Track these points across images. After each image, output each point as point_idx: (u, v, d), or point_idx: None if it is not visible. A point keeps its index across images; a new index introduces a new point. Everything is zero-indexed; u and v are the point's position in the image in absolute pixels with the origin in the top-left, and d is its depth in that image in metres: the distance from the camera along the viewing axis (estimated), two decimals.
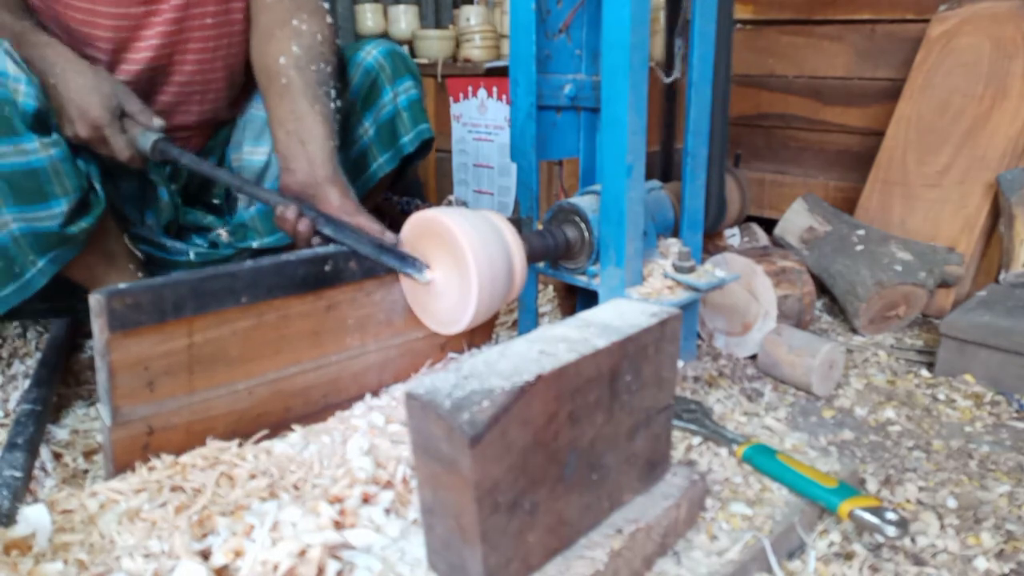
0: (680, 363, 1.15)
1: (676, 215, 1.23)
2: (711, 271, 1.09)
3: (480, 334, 1.10)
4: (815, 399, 1.12)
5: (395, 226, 0.97)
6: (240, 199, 1.26)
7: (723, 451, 0.87)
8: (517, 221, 1.09)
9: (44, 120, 0.94)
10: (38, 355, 1.18)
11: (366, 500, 0.70)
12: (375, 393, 0.97)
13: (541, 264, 1.14)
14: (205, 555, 0.62)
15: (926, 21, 1.66)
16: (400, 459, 0.75)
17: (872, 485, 0.89)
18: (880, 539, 0.77)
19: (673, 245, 1.15)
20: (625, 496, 0.69)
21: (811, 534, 0.77)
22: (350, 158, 1.28)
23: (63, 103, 0.97)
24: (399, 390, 0.97)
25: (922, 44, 1.64)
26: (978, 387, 1.15)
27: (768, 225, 1.68)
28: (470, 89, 2.00)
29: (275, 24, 1.09)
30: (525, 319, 1.23)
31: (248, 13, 1.14)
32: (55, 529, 0.66)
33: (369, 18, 2.26)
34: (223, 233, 1.25)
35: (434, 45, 2.11)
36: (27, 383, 1.06)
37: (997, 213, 1.47)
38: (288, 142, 1.02)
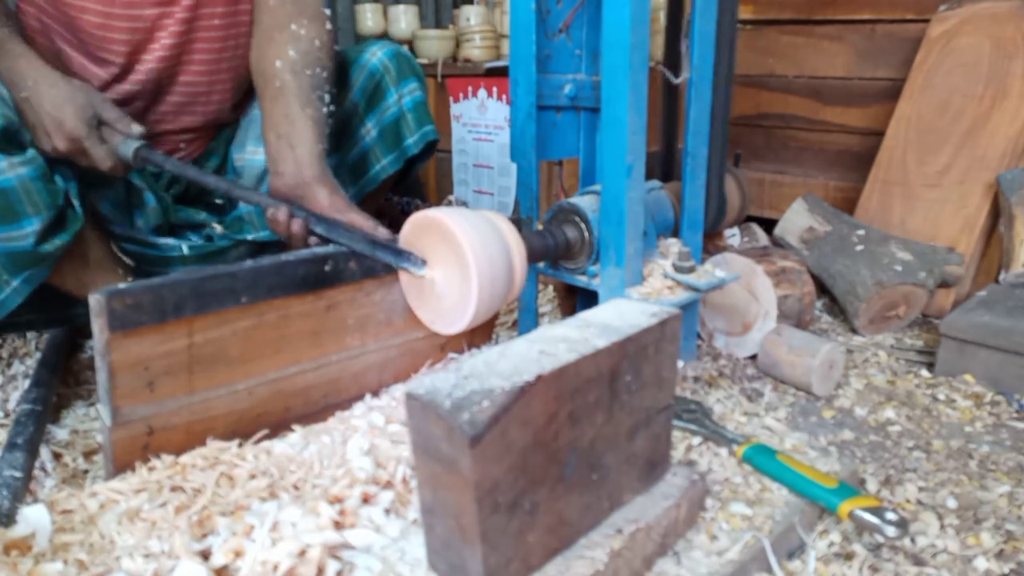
0: (680, 363, 1.15)
1: (676, 215, 1.23)
2: (711, 271, 1.09)
3: (480, 334, 1.10)
4: (815, 399, 1.12)
5: (395, 226, 0.97)
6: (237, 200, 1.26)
7: (723, 451, 0.87)
8: (517, 221, 1.09)
9: (14, 137, 0.93)
10: (38, 355, 1.18)
11: (366, 500, 0.70)
12: (375, 393, 0.97)
13: (541, 264, 1.14)
14: (205, 555, 0.62)
15: (926, 21, 1.66)
16: (400, 459, 0.75)
17: (872, 485, 0.89)
18: (880, 539, 0.77)
19: (673, 245, 1.15)
20: (625, 496, 0.69)
21: (811, 534, 0.77)
22: (351, 159, 1.28)
23: (38, 117, 0.96)
24: (399, 390, 0.97)
25: (922, 44, 1.64)
26: (978, 387, 1.15)
27: (768, 225, 1.68)
28: (470, 89, 2.00)
29: (275, 27, 1.09)
30: (525, 319, 1.23)
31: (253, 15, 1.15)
32: (55, 529, 0.66)
33: (369, 18, 2.26)
34: (217, 227, 1.25)
35: (434, 45, 2.11)
36: (27, 383, 1.06)
37: (997, 213, 1.47)
38: (278, 145, 1.02)
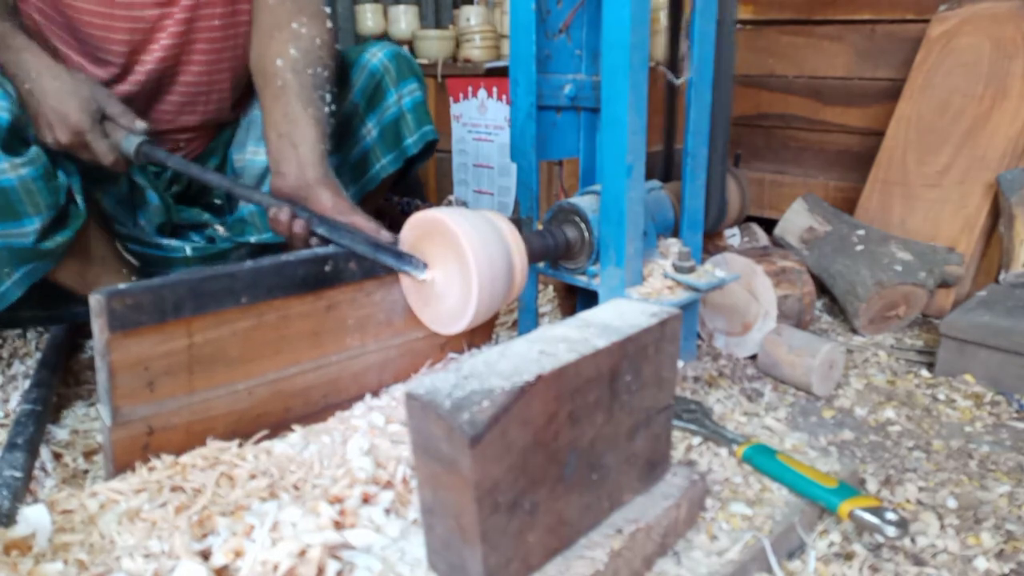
0: (680, 363, 1.15)
1: (676, 215, 1.23)
2: (711, 271, 1.09)
3: (480, 334, 1.10)
4: (815, 399, 1.12)
5: (395, 226, 0.97)
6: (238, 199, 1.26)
7: (723, 451, 0.87)
8: (517, 221, 1.09)
9: (20, 132, 0.93)
10: (38, 355, 1.18)
11: (366, 500, 0.70)
12: (375, 393, 0.97)
13: (541, 264, 1.14)
14: (205, 555, 0.62)
15: (926, 21, 1.66)
16: (400, 459, 0.75)
17: (872, 485, 0.89)
18: (880, 539, 0.77)
19: (673, 245, 1.15)
20: (625, 496, 0.69)
21: (811, 534, 0.77)
22: (352, 159, 1.29)
23: (41, 109, 0.96)
24: (399, 390, 0.97)
25: (922, 44, 1.64)
26: (978, 387, 1.15)
27: (768, 225, 1.68)
28: (470, 89, 2.00)
29: (275, 26, 1.09)
30: (525, 319, 1.23)
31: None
32: (55, 529, 0.66)
33: (369, 18, 2.25)
34: (220, 228, 1.25)
35: (434, 45, 2.10)
36: (27, 383, 1.06)
37: (997, 213, 1.47)
38: (280, 145, 1.02)
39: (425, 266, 0.93)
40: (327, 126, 1.05)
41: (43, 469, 0.88)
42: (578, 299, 1.25)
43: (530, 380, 0.56)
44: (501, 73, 1.95)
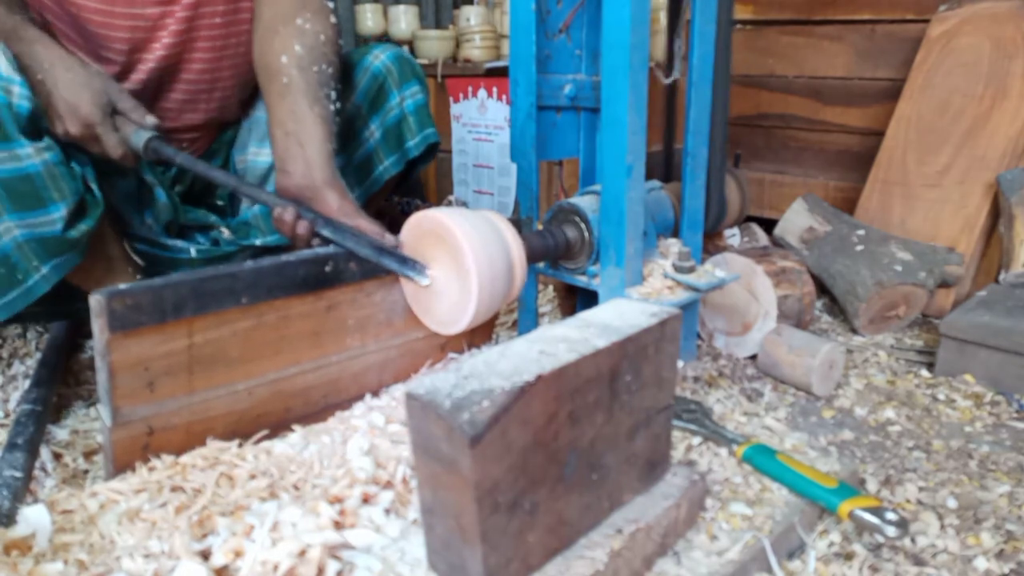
0: (680, 363, 1.15)
1: (676, 215, 1.23)
2: (711, 271, 1.09)
3: (480, 334, 1.10)
4: (815, 399, 1.12)
5: (395, 227, 0.97)
6: (243, 199, 1.26)
7: (723, 451, 0.87)
8: (517, 221, 1.09)
9: (37, 122, 0.93)
10: (38, 355, 1.18)
11: (366, 500, 0.70)
12: (375, 393, 0.97)
13: (541, 264, 1.14)
14: (205, 555, 0.62)
15: (926, 21, 1.66)
16: (400, 459, 0.75)
17: (872, 485, 0.89)
18: (880, 539, 0.77)
19: (673, 245, 1.15)
20: (625, 496, 0.69)
21: (811, 534, 0.77)
22: (355, 160, 1.29)
23: (52, 99, 0.96)
24: (399, 390, 0.97)
25: (922, 44, 1.64)
26: (978, 387, 1.15)
27: (768, 225, 1.68)
28: (470, 89, 2.00)
29: (279, 21, 1.08)
30: (525, 319, 1.23)
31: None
32: (55, 529, 0.66)
33: (369, 18, 2.26)
34: (225, 231, 1.25)
35: (434, 45, 2.10)
36: (27, 383, 1.06)
37: (997, 213, 1.47)
38: (286, 144, 1.02)
39: (428, 271, 0.94)
40: (333, 124, 1.05)
41: (43, 469, 0.88)
42: (578, 299, 1.25)
43: (530, 380, 0.56)
44: (501, 73, 1.95)
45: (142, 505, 0.69)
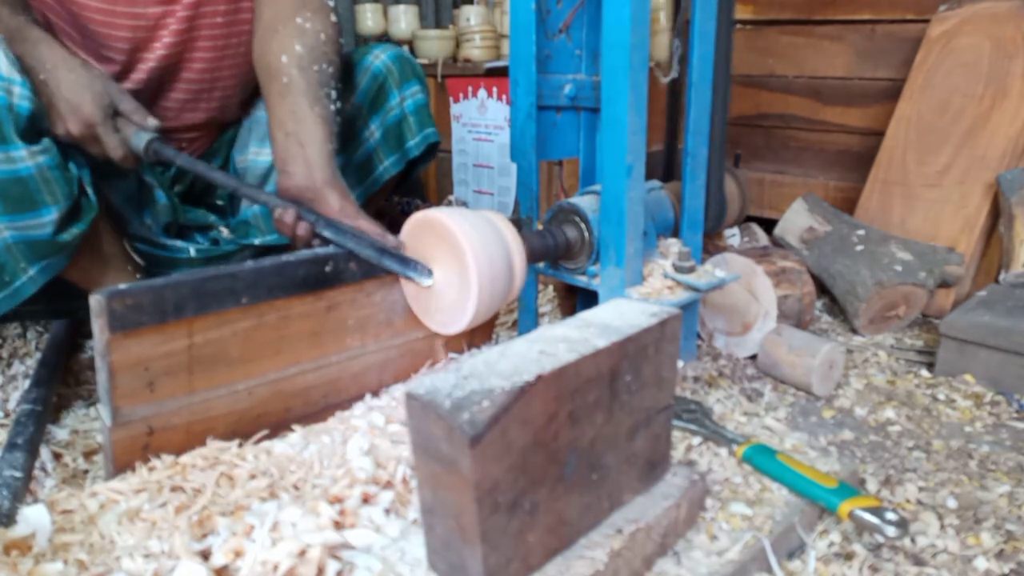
0: (680, 363, 1.15)
1: (676, 215, 1.23)
2: (711, 271, 1.09)
3: (480, 334, 1.10)
4: (815, 399, 1.12)
5: (395, 227, 0.97)
6: (244, 200, 1.26)
7: (723, 451, 0.87)
8: (517, 221, 1.09)
9: (37, 123, 0.93)
10: (38, 355, 1.18)
11: (366, 500, 0.70)
12: (375, 393, 0.97)
13: (541, 264, 1.14)
14: (205, 555, 0.62)
15: (926, 21, 1.66)
16: (400, 459, 0.75)
17: (872, 485, 0.89)
18: (880, 539, 0.77)
19: (673, 245, 1.15)
20: (625, 496, 0.69)
21: (811, 534, 0.77)
22: (356, 160, 1.29)
23: (54, 100, 0.96)
24: (399, 390, 0.97)
25: (922, 44, 1.64)
26: (978, 387, 1.15)
27: (768, 225, 1.68)
28: (470, 89, 2.00)
29: (279, 20, 1.08)
30: (525, 319, 1.23)
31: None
32: (55, 529, 0.66)
33: (369, 18, 2.26)
34: (224, 230, 1.25)
35: (434, 45, 2.10)
36: (27, 383, 1.06)
37: (997, 213, 1.47)
38: (287, 144, 1.01)
39: (430, 272, 0.93)
40: (333, 124, 1.05)
41: (43, 469, 0.89)
42: (578, 299, 1.25)
43: (530, 380, 0.56)
44: (501, 73, 1.95)
45: (142, 505, 0.69)
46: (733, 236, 1.61)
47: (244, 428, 0.85)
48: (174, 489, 0.72)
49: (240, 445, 0.81)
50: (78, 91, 0.97)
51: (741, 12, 1.97)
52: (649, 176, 1.12)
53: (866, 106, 1.82)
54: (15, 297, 0.94)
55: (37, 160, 0.91)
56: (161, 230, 1.20)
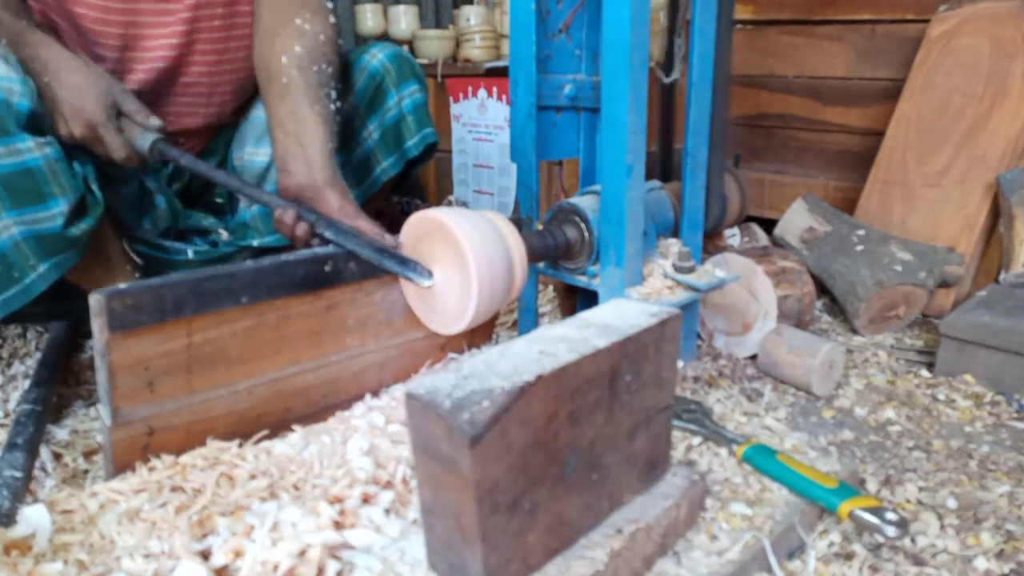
0: (680, 363, 1.15)
1: (676, 215, 1.23)
2: (711, 271, 1.09)
3: (480, 334, 1.10)
4: (815, 399, 1.12)
5: (395, 227, 0.97)
6: (242, 199, 1.26)
7: (723, 451, 0.87)
8: (517, 221, 1.09)
9: (38, 122, 0.94)
10: (38, 355, 1.18)
11: (366, 500, 0.70)
12: (375, 393, 0.97)
13: (541, 264, 1.14)
14: (205, 555, 0.62)
15: (926, 21, 1.66)
16: (400, 459, 0.75)
17: (872, 485, 0.89)
18: (880, 539, 0.77)
19: (673, 245, 1.15)
20: (625, 496, 0.69)
21: (811, 534, 0.77)
22: (354, 161, 1.28)
23: (57, 102, 0.96)
24: (399, 390, 0.97)
25: (922, 44, 1.64)
26: (978, 387, 1.15)
27: (768, 225, 1.68)
28: (470, 89, 2.00)
29: (278, 22, 1.08)
30: (525, 319, 1.23)
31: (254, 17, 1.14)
32: (55, 529, 0.66)
33: (369, 18, 2.26)
34: (223, 232, 1.25)
35: (434, 45, 2.11)
36: (27, 383, 1.06)
37: (997, 213, 1.47)
38: (287, 144, 1.02)
39: (430, 273, 0.93)
40: (333, 124, 1.05)
41: (43, 469, 0.88)
42: (578, 299, 1.25)
43: (530, 380, 0.56)
44: (501, 73, 1.95)
45: (142, 505, 0.69)
46: (733, 236, 1.61)
47: (244, 428, 0.85)
48: (174, 489, 0.72)
49: (240, 445, 0.81)
50: (80, 92, 0.97)
51: (741, 12, 1.97)
52: (647, 177, 1.12)
53: (866, 106, 1.82)
54: (26, 294, 0.94)
55: (44, 151, 0.91)
56: (159, 235, 1.20)
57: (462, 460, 0.52)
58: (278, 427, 0.88)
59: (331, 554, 0.62)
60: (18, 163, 0.89)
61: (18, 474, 0.80)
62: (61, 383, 1.10)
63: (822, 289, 1.51)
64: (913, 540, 0.79)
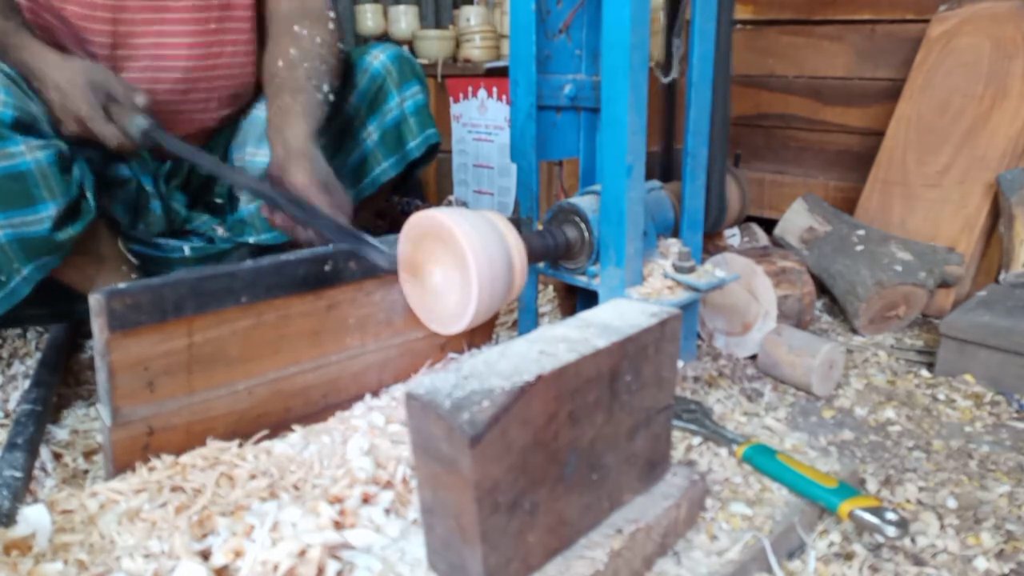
0: (680, 363, 1.15)
1: (676, 215, 1.23)
2: (711, 271, 1.09)
3: (480, 334, 1.10)
4: (815, 399, 1.12)
5: (395, 226, 0.97)
6: (242, 197, 1.26)
7: (723, 451, 0.87)
8: (517, 221, 1.09)
9: (31, 127, 0.94)
10: (38, 355, 1.18)
11: (366, 500, 0.70)
12: (375, 393, 0.97)
13: (541, 264, 1.14)
14: (205, 555, 0.62)
15: (926, 21, 1.66)
16: (400, 459, 0.75)
17: (872, 485, 0.89)
18: (880, 539, 0.77)
19: (673, 245, 1.15)
20: (625, 496, 0.69)
21: (811, 534, 0.77)
22: (352, 162, 1.29)
23: (50, 103, 0.98)
24: (399, 390, 0.97)
25: (922, 44, 1.64)
26: (978, 387, 1.15)
27: (768, 225, 1.68)
28: (470, 89, 2.00)
29: (280, 32, 1.13)
30: (525, 319, 1.23)
31: (253, 35, 1.18)
32: (55, 529, 0.66)
33: (369, 18, 2.26)
34: (219, 229, 1.25)
35: (434, 45, 2.11)
36: (27, 383, 1.06)
37: (997, 213, 1.47)
38: (271, 134, 1.05)
39: (392, 258, 0.92)
40: (317, 110, 1.07)
41: (43, 469, 0.88)
42: (578, 299, 1.25)
43: (530, 380, 0.56)
44: (501, 73, 1.95)
45: (142, 505, 0.69)
46: (733, 236, 1.61)
47: (244, 428, 0.85)
48: (174, 489, 0.72)
49: (240, 445, 0.81)
50: (63, 90, 0.98)
51: (741, 12, 1.97)
52: (647, 177, 1.12)
53: (866, 106, 1.82)
54: (12, 298, 0.95)
55: (35, 155, 0.92)
56: (153, 237, 1.20)
57: (462, 460, 0.52)
58: (278, 427, 0.88)
59: (331, 554, 0.62)
60: (9, 166, 0.90)
61: (18, 474, 0.81)
62: (61, 383, 1.10)
63: (822, 289, 1.51)
64: (913, 540, 0.79)
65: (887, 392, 1.16)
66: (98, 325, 0.73)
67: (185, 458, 0.77)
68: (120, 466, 0.77)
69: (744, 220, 1.61)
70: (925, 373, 1.22)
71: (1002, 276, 1.39)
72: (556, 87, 1.16)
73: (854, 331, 1.40)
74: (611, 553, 0.62)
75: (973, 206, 1.49)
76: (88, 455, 0.93)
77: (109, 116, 1.01)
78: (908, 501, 0.87)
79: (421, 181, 2.20)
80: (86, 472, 0.90)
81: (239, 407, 0.85)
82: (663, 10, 1.31)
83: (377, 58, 1.24)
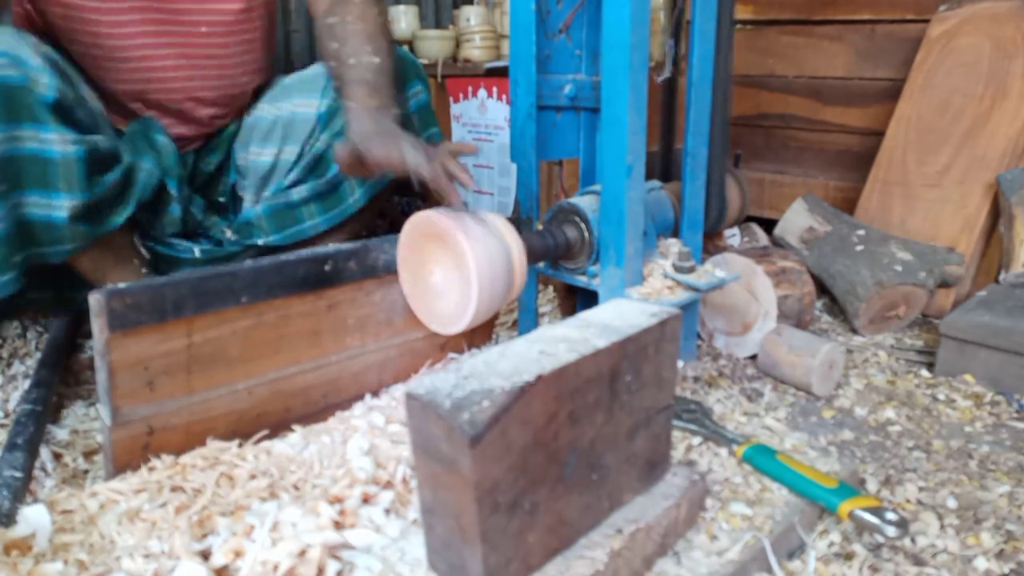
0: (680, 363, 1.15)
1: (676, 215, 1.23)
2: (711, 271, 1.09)
3: (480, 334, 1.10)
4: (815, 399, 1.12)
5: (395, 226, 0.97)
6: (244, 198, 1.26)
7: (723, 451, 0.87)
8: (517, 221, 1.09)
9: (66, 113, 0.94)
10: (38, 355, 1.18)
11: (366, 500, 0.70)
12: (375, 393, 0.97)
13: (541, 264, 1.14)
14: (205, 555, 0.62)
15: (926, 21, 1.66)
16: (400, 459, 0.75)
17: (872, 485, 0.89)
18: (880, 539, 0.77)
19: (673, 245, 1.15)
20: (625, 496, 0.69)
21: (811, 534, 0.77)
22: None
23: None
24: (399, 390, 0.97)
25: (922, 44, 1.64)
26: (978, 387, 1.15)
27: (768, 225, 1.67)
28: (470, 89, 2.00)
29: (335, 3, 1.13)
30: (525, 319, 1.23)
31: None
32: (55, 529, 0.66)
33: None
34: (228, 231, 1.25)
35: (434, 45, 2.10)
36: (27, 383, 1.06)
37: (997, 213, 1.47)
38: (336, 79, 1.07)
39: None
40: (387, 64, 1.08)
41: (43, 469, 0.88)
42: (578, 299, 1.25)
43: (530, 380, 0.56)
44: (501, 73, 1.95)
45: (142, 505, 0.69)
46: (733, 236, 1.61)
47: (244, 428, 0.85)
48: (174, 489, 0.72)
49: (240, 445, 0.81)
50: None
51: (741, 12, 1.97)
52: (647, 177, 1.12)
53: (866, 106, 1.82)
54: (12, 284, 0.95)
55: (67, 148, 0.92)
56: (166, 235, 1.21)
57: (462, 460, 0.52)
58: (278, 427, 0.88)
59: (331, 554, 0.62)
60: (36, 148, 0.91)
61: (18, 474, 0.80)
62: (61, 383, 1.10)
63: (822, 289, 1.51)
64: (913, 540, 0.79)
65: (887, 392, 1.16)
66: (98, 325, 0.73)
67: (185, 458, 0.77)
68: (120, 466, 0.77)
69: (744, 220, 1.60)
70: (925, 373, 1.22)
71: (1002, 276, 1.39)
72: (556, 87, 1.16)
73: (854, 331, 1.40)
74: (611, 553, 0.62)
75: (973, 206, 1.49)
76: (88, 455, 0.93)
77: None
78: (908, 501, 0.87)
79: None
80: (86, 472, 0.90)
81: (239, 407, 0.85)
82: (663, 10, 1.31)
83: None
